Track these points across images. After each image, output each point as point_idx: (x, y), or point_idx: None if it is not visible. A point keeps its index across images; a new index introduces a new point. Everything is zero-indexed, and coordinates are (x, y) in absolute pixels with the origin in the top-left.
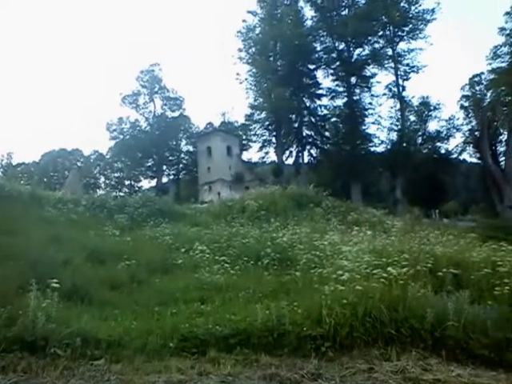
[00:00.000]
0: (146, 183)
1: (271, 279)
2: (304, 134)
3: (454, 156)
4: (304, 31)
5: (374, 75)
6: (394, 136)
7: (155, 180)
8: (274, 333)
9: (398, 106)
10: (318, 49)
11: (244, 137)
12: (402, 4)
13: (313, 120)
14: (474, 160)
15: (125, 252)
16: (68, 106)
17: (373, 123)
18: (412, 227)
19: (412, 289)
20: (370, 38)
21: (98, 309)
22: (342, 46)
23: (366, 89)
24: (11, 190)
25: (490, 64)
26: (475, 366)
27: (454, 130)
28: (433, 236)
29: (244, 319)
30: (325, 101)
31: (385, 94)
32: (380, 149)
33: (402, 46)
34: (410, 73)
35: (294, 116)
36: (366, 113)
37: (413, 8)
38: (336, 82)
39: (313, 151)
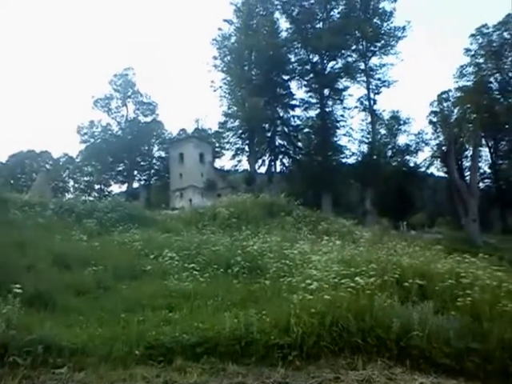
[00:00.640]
0: (116, 188)
1: (240, 287)
2: (277, 144)
3: (422, 169)
4: (279, 42)
5: (346, 88)
6: (364, 148)
7: (126, 185)
8: (242, 341)
9: (369, 119)
10: (293, 60)
11: (217, 144)
12: (374, 20)
13: (286, 130)
14: (441, 174)
15: (92, 257)
16: (37, 106)
17: (344, 135)
18: (380, 238)
19: (379, 299)
20: (343, 51)
21: (63, 315)
22: (315, 59)
23: (338, 101)
24: None
25: (457, 82)
26: (437, 375)
27: (423, 145)
28: (400, 247)
29: (212, 327)
30: (298, 111)
31: (356, 107)
32: (351, 160)
33: (374, 60)
34: (381, 87)
35: (267, 125)
36: (338, 125)
37: (385, 24)
38: (309, 94)
39: (285, 161)
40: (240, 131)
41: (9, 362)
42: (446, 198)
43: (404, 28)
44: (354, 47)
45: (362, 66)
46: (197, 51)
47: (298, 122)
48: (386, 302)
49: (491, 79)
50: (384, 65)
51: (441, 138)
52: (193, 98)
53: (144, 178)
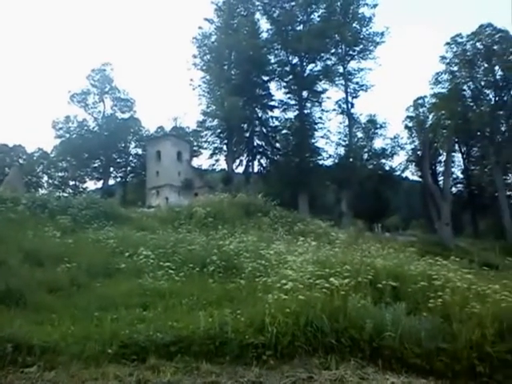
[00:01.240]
0: (91, 184)
1: (216, 287)
2: (255, 144)
3: (398, 173)
4: (259, 43)
5: (324, 91)
6: (341, 151)
7: (101, 182)
8: (216, 340)
9: (347, 122)
10: (272, 61)
11: (195, 143)
12: (354, 25)
13: (264, 130)
14: (416, 178)
15: (65, 254)
16: (11, 100)
17: (322, 137)
18: (355, 240)
19: (353, 300)
20: (322, 54)
21: (34, 313)
22: (295, 60)
23: (316, 103)
24: None
25: (432, 89)
26: (408, 375)
27: (398, 149)
28: (374, 249)
29: (186, 326)
30: (277, 112)
31: (334, 110)
32: (328, 162)
33: (353, 64)
34: (359, 91)
35: (245, 125)
36: (316, 127)
37: (364, 30)
38: (288, 95)
39: (263, 161)
40: (218, 130)
41: None
42: (419, 202)
43: (383, 34)
44: (333, 51)
45: (341, 70)
46: (176, 49)
47: (277, 123)
48: (360, 302)
49: (465, 87)
50: (362, 69)
51: (416, 143)
52: (171, 95)
53: (120, 175)
